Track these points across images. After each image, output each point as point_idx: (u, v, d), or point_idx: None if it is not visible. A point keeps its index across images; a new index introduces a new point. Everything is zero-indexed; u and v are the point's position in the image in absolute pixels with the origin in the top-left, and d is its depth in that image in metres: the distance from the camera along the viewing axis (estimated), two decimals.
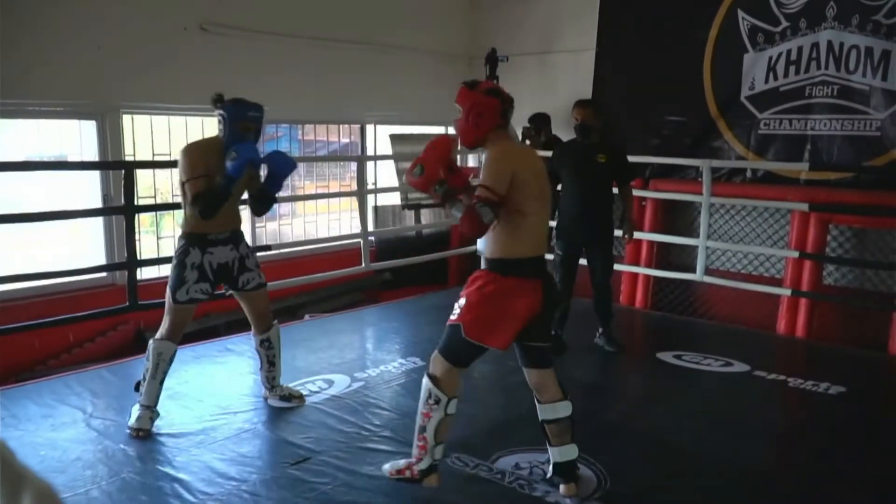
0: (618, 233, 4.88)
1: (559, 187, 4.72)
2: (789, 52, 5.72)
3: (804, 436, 3.63)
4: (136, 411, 3.41)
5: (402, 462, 2.94)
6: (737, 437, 3.49)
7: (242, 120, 3.31)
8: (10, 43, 4.71)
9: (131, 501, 2.81)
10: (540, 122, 6.47)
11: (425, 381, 2.81)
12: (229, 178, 3.22)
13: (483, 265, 2.84)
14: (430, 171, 2.75)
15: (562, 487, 2.88)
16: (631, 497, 2.91)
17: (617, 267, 6.19)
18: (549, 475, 2.94)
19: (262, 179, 3.53)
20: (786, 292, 5.32)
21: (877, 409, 3.95)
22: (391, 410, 3.76)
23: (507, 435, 3.47)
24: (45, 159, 5.39)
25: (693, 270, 5.60)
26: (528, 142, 6.63)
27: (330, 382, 4.16)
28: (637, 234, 6.13)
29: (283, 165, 3.48)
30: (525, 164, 2.74)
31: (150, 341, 3.44)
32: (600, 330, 4.81)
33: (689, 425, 3.61)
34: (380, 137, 7.68)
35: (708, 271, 5.59)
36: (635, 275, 6.26)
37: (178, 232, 3.51)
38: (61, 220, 4.77)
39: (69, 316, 4.45)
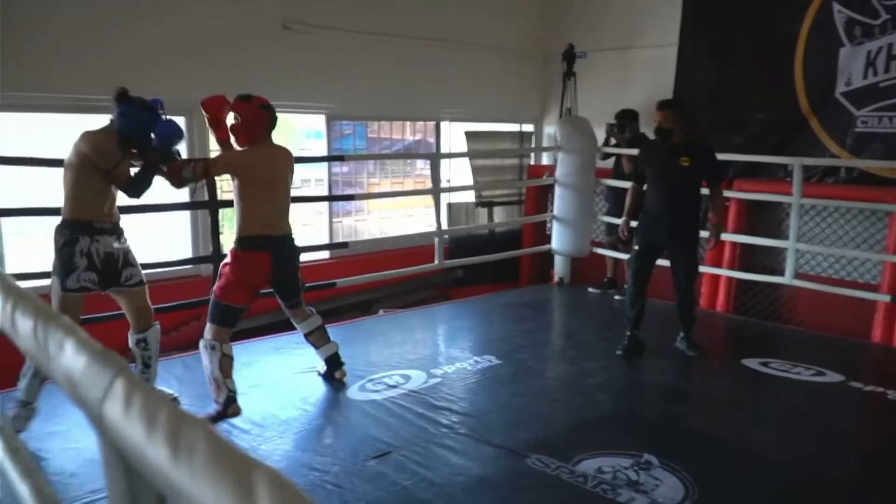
0: (704, 233, 4.72)
1: (644, 187, 4.62)
2: (890, 45, 5.42)
3: None
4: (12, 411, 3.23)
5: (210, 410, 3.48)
6: (830, 450, 3.31)
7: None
8: (123, 47, 4.89)
9: None
10: (625, 119, 6.30)
11: (201, 341, 3.61)
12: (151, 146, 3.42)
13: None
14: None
15: (337, 373, 4.06)
16: None
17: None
18: (322, 371, 4.09)
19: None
20: (884, 298, 5.04)
21: None
22: (467, 408, 3.73)
23: (587, 437, 3.40)
24: None
25: (778, 273, 5.37)
26: (612, 140, 6.49)
27: (407, 378, 4.16)
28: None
29: (166, 128, 3.42)
30: (261, 161, 3.60)
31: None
32: (681, 334, 4.67)
33: (778, 436, 3.46)
34: (452, 135, 7.67)
35: (797, 275, 5.35)
36: (716, 277, 6.06)
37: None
38: (151, 213, 4.91)
39: (157, 306, 4.58)
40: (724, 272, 5.95)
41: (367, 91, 6.51)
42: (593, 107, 6.99)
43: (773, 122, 6.05)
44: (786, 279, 5.29)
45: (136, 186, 3.42)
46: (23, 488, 0.85)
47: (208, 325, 3.61)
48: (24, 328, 1.07)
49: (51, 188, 3.59)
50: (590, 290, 6.45)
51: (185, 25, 5.37)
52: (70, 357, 0.91)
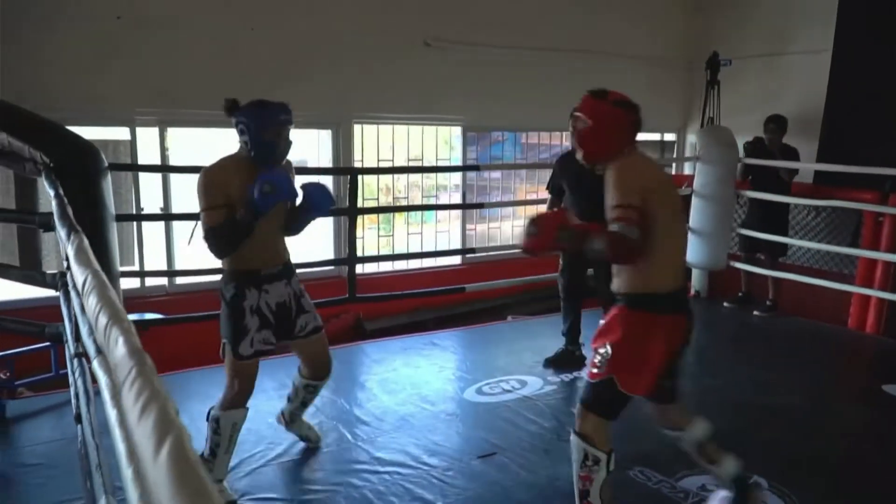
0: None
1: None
2: None
3: None
4: None
5: None
6: None
7: (273, 126, 2.71)
8: (260, 62, 5.45)
9: (329, 466, 3.22)
10: (783, 126, 5.98)
11: (574, 439, 2.59)
12: (255, 213, 2.66)
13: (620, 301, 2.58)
14: (546, 227, 2.46)
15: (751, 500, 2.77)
16: None
17: (846, 288, 5.69)
18: (731, 497, 2.81)
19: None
20: None
21: None
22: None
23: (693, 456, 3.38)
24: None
25: None
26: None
27: (523, 383, 4.32)
28: (872, 254, 5.59)
29: (322, 200, 2.91)
30: (655, 177, 2.53)
31: (216, 414, 2.87)
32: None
33: None
34: None
35: None
36: (867, 297, 5.68)
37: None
38: None
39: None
40: (875, 292, 5.57)
41: (511, 102, 6.75)
42: (737, 116, 6.77)
43: None
44: None
45: (225, 241, 2.72)
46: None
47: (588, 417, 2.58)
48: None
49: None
50: (725, 304, 6.26)
51: (334, 43, 5.85)
52: None
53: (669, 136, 8.26)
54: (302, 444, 3.42)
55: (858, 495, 3.06)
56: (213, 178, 2.72)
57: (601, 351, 2.54)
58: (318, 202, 2.92)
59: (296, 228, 3.03)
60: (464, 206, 6.74)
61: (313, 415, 3.79)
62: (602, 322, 2.62)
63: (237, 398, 2.87)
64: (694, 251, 6.34)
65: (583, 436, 2.55)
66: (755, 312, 5.94)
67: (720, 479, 2.75)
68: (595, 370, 2.55)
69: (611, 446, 2.57)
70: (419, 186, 6.85)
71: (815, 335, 5.27)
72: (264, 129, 2.69)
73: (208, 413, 2.91)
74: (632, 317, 2.51)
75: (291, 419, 3.38)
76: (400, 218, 6.70)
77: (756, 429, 3.86)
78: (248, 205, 2.65)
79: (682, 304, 2.59)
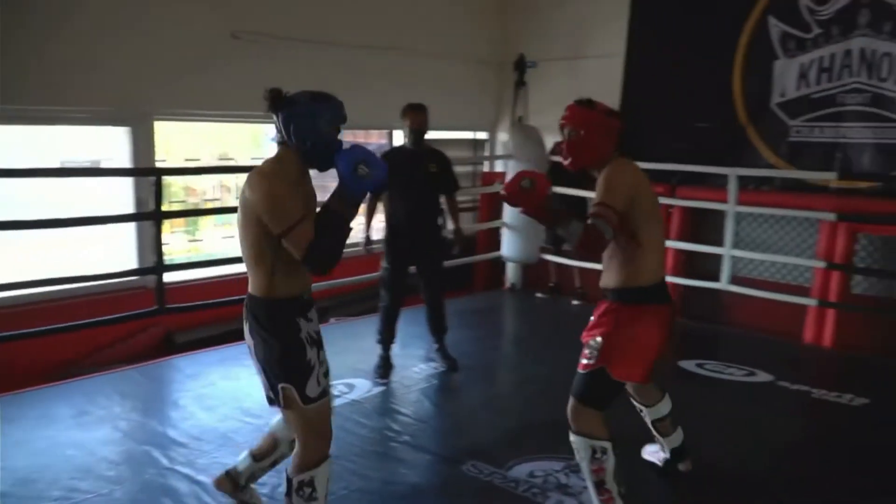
0: None
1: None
2: (821, 59, 5.63)
3: (825, 449, 3.58)
4: None
5: None
6: (757, 449, 3.46)
7: (337, 122, 2.33)
8: (46, 50, 4.86)
9: (142, 497, 2.91)
10: None
11: (577, 439, 2.67)
12: (355, 203, 2.29)
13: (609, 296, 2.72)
14: (541, 184, 2.56)
15: (680, 466, 3.12)
16: None
17: None
18: (664, 464, 3.14)
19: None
20: (812, 303, 5.24)
21: None
22: (411, 415, 3.80)
23: (523, 442, 3.49)
24: (82, 163, 5.57)
25: (718, 279, 5.54)
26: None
27: (351, 387, 4.22)
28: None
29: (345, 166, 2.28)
30: (643, 183, 2.69)
31: (306, 476, 2.36)
32: (436, 345, 4.68)
33: (709, 436, 3.58)
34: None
35: (735, 279, 5.53)
36: None
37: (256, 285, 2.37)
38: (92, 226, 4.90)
39: (99, 319, 4.57)
40: (668, 278, 6.09)
41: None
42: (544, 115, 7.12)
43: (713, 130, 6.24)
44: (721, 284, 5.46)
45: (334, 252, 2.28)
46: None
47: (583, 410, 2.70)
48: None
49: None
50: (538, 295, 6.57)
51: (133, 35, 5.36)
52: None
53: (482, 135, 8.52)
54: (106, 476, 3.07)
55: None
56: (284, 190, 2.22)
57: (591, 343, 2.67)
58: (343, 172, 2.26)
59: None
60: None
61: (119, 441, 3.44)
62: (592, 318, 2.75)
63: (320, 447, 2.39)
64: (509, 246, 6.60)
65: (584, 434, 2.64)
66: (573, 302, 6.29)
67: (664, 447, 3.10)
68: (586, 361, 2.67)
69: (610, 432, 2.66)
70: (227, 187, 6.47)
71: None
72: (330, 124, 2.29)
73: (289, 483, 2.37)
74: (622, 310, 2.65)
75: (247, 482, 2.74)
76: (206, 221, 6.29)
77: None
78: (340, 197, 2.24)
79: (667, 294, 2.76)
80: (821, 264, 5.24)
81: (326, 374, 2.42)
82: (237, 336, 5.45)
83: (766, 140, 5.95)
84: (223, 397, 4.03)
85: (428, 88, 7.44)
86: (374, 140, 7.57)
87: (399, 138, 7.63)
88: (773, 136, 5.90)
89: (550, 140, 6.57)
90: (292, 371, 2.31)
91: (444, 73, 7.57)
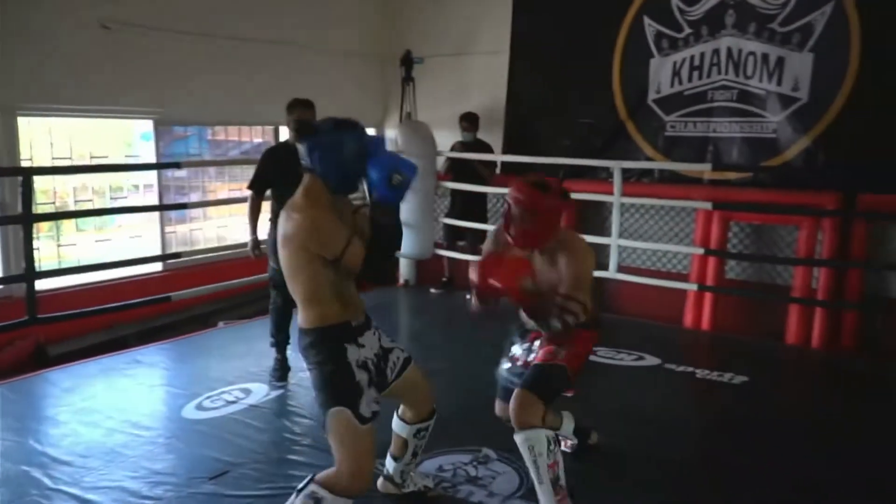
0: None
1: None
2: (692, 57, 5.97)
3: (712, 425, 3.80)
4: None
5: None
6: (650, 429, 3.61)
7: (363, 148, 2.35)
8: None
9: None
10: (475, 121, 6.52)
11: (531, 433, 2.61)
12: (395, 210, 2.37)
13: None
14: (511, 271, 2.59)
15: (591, 440, 3.30)
16: None
17: None
18: (574, 448, 3.25)
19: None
20: (692, 287, 5.56)
21: (777, 397, 4.18)
22: (312, 418, 3.70)
23: (431, 438, 3.47)
24: None
25: (606, 268, 5.76)
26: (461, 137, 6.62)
27: (248, 392, 4.06)
28: None
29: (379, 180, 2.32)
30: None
31: (324, 494, 2.31)
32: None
33: (605, 420, 3.71)
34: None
35: (620, 268, 5.77)
36: None
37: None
38: None
39: None
40: None
41: (199, 94, 6.24)
42: (432, 111, 7.15)
43: (595, 126, 6.48)
44: (610, 273, 5.68)
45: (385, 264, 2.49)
46: None
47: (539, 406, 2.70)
48: None
49: None
50: (432, 290, 6.60)
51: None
52: None
53: (370, 131, 8.44)
54: None
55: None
56: (323, 216, 2.27)
57: (562, 345, 2.78)
58: (377, 185, 2.30)
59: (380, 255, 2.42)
60: (164, 208, 6.13)
61: None
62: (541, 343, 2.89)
63: (355, 483, 2.34)
64: (403, 243, 6.56)
65: (536, 426, 2.63)
66: (468, 296, 6.32)
67: (566, 437, 3.20)
68: (550, 355, 2.77)
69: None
70: (99, 191, 6.04)
71: (514, 311, 5.71)
72: (360, 153, 2.31)
73: (309, 481, 2.35)
74: (586, 333, 2.85)
75: (403, 479, 2.85)
76: (69, 225, 5.84)
77: (487, 404, 4.08)
78: (377, 208, 2.31)
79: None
80: (699, 251, 5.56)
81: (377, 399, 2.42)
82: (120, 344, 5.18)
83: (644, 134, 6.24)
84: (108, 411, 3.76)
85: (313, 84, 7.28)
86: (247, 139, 7.32)
87: (285, 134, 7.43)
88: (651, 131, 6.20)
89: (439, 136, 6.60)
90: (339, 394, 2.34)
91: (329, 68, 7.44)
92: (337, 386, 2.34)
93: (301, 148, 2.33)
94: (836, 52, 5.31)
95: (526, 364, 2.90)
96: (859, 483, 3.10)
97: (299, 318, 2.42)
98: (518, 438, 2.65)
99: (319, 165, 2.31)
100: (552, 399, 2.77)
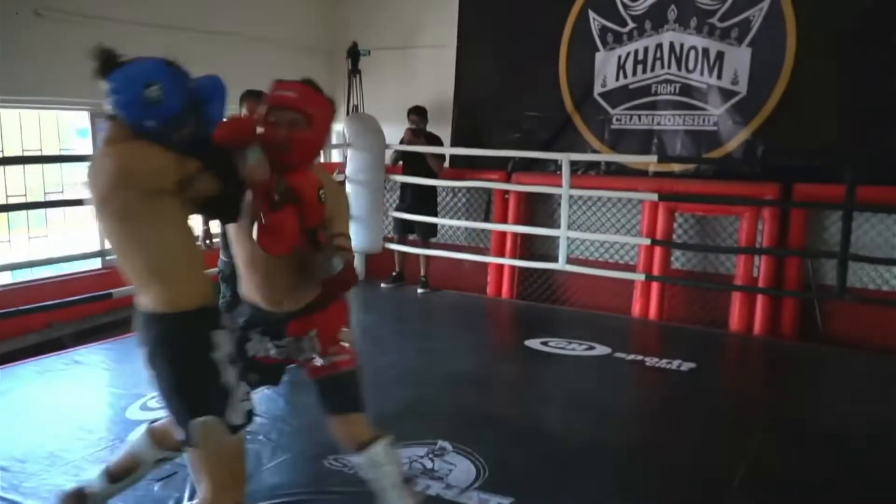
0: None
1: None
2: (636, 51, 6.06)
3: (663, 411, 3.87)
4: None
5: None
6: (603, 417, 3.67)
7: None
8: None
9: None
10: (424, 114, 6.43)
11: (378, 449, 2.40)
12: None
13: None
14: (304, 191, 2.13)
15: None
16: (508, 485, 2.97)
17: (483, 259, 6.38)
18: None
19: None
20: (640, 277, 5.66)
21: (724, 382, 4.30)
22: (265, 415, 3.61)
23: (383, 431, 3.44)
24: None
25: (556, 260, 5.82)
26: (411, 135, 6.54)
27: None
28: (501, 227, 6.33)
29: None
30: None
31: None
32: None
33: (558, 409, 3.76)
34: None
35: (569, 260, 5.83)
36: (501, 266, 6.42)
37: None
38: None
39: None
40: (507, 261, 6.32)
41: None
42: (380, 104, 7.09)
43: (543, 119, 6.52)
44: (559, 265, 5.74)
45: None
46: None
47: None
48: None
49: None
50: (382, 285, 6.55)
51: None
52: None
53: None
54: None
55: (530, 438, 3.40)
56: (145, 146, 1.99)
57: (346, 333, 2.46)
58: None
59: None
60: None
61: None
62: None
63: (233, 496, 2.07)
64: (352, 236, 6.49)
65: (373, 440, 2.40)
66: (419, 291, 6.33)
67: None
68: (348, 356, 2.46)
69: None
70: (28, 188, 5.78)
71: (463, 305, 5.80)
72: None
73: None
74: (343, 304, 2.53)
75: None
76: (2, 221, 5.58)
77: (435, 396, 4.08)
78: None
79: None
80: (645, 241, 5.66)
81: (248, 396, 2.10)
82: (57, 345, 4.97)
83: (591, 127, 6.31)
84: (48, 413, 3.61)
85: (256, 76, 7.07)
86: None
87: None
88: (597, 124, 6.27)
89: (387, 129, 6.55)
90: (206, 398, 1.95)
91: (273, 60, 7.26)
92: (199, 389, 1.96)
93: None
94: (773, 46, 5.48)
95: (314, 369, 2.47)
96: (803, 462, 3.20)
97: (141, 301, 1.99)
98: (365, 457, 2.41)
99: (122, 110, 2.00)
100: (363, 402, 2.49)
